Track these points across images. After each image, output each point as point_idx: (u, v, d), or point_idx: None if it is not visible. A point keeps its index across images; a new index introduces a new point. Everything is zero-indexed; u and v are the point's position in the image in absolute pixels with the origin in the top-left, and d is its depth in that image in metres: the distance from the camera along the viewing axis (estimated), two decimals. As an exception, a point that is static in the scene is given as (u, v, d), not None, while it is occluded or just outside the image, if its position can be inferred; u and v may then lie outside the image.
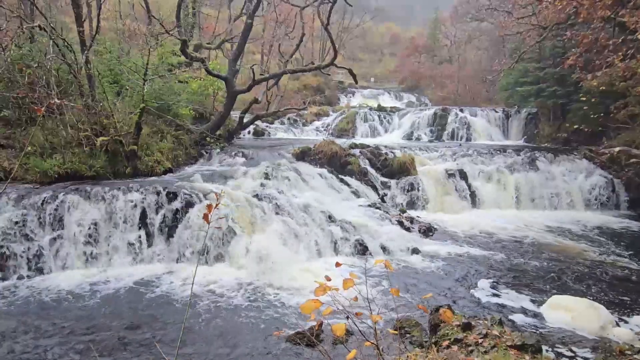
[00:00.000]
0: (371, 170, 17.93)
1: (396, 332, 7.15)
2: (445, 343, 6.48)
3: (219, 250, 11.27)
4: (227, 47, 29.84)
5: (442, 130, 28.58)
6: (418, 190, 17.37)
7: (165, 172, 14.57)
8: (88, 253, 10.72)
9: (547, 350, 7.23)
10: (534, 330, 8.21)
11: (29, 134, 12.81)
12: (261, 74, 23.57)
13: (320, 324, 7.54)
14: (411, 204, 17.12)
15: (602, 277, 11.05)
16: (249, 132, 26.14)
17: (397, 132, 29.41)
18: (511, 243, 13.73)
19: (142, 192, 11.74)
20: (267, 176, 14.50)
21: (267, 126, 28.15)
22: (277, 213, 12.52)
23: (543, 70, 25.27)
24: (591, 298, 9.58)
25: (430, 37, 64.37)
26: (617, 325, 8.55)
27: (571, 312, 8.80)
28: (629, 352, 7.02)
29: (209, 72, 18.58)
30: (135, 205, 11.48)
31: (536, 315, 8.99)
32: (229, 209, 11.64)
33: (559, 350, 7.63)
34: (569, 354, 7.51)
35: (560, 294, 9.76)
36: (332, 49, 19.15)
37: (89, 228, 10.87)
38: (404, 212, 15.52)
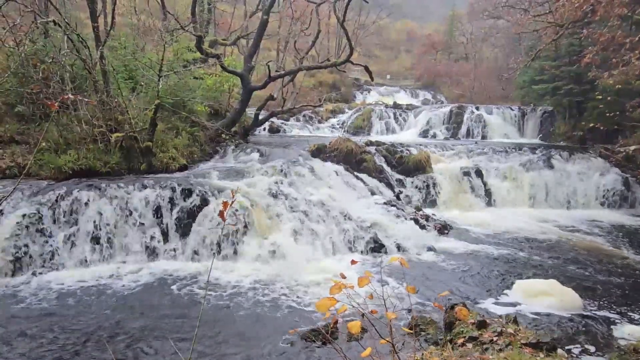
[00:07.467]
0: (387, 168, 17.86)
1: (411, 330, 7.12)
2: (460, 341, 6.44)
3: (234, 247, 11.27)
4: (242, 43, 29.92)
5: (458, 128, 28.32)
6: (433, 188, 17.31)
7: (180, 169, 14.56)
8: (102, 250, 10.73)
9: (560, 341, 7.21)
10: (549, 326, 8.16)
11: (43, 130, 12.88)
12: (277, 71, 23.49)
13: (336, 322, 7.48)
14: (426, 202, 17.09)
15: (617, 274, 11.00)
16: (264, 129, 26.15)
17: (412, 129, 29.17)
18: (526, 241, 13.67)
19: (157, 189, 11.77)
20: (282, 173, 14.45)
21: (282, 123, 28.08)
22: (292, 210, 12.51)
23: (559, 69, 24.98)
24: (604, 294, 9.66)
25: (447, 35, 64.06)
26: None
27: (554, 297, 9.10)
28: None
29: (224, 69, 18.59)
30: (150, 202, 11.51)
31: (544, 308, 8.99)
32: (244, 206, 11.63)
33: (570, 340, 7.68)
34: (579, 347, 7.53)
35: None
36: (348, 46, 19.07)
37: (104, 225, 10.88)
38: (419, 209, 15.44)
